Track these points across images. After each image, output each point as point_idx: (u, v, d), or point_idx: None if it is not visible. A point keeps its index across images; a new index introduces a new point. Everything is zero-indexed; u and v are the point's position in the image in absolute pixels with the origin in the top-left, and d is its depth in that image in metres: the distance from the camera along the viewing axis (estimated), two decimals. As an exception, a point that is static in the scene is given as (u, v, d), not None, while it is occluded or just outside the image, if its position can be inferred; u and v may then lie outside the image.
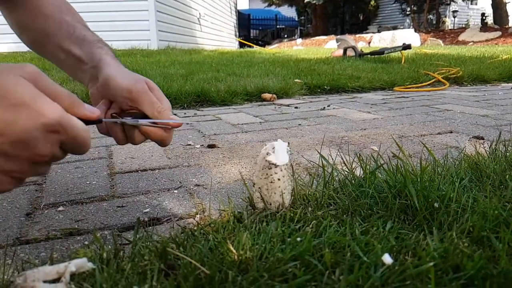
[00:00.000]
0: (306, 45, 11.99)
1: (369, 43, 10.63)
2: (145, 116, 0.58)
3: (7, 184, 0.42)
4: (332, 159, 0.89)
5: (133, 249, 0.49)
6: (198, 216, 0.67)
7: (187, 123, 0.61)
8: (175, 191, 0.81)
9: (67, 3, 0.76)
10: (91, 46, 0.66)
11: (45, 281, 0.42)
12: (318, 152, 0.67)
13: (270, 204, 0.61)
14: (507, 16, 13.70)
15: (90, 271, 0.44)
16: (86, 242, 0.59)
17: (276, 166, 0.61)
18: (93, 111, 0.47)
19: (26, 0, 0.72)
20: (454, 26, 15.83)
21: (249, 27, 19.23)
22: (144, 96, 0.58)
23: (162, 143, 0.59)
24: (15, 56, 4.25)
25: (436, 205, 0.57)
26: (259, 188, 0.62)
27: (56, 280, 0.43)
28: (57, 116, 0.41)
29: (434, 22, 16.14)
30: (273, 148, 0.63)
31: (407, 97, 2.28)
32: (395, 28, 13.83)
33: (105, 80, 0.60)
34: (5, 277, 0.46)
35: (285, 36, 19.30)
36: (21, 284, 0.41)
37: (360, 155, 0.79)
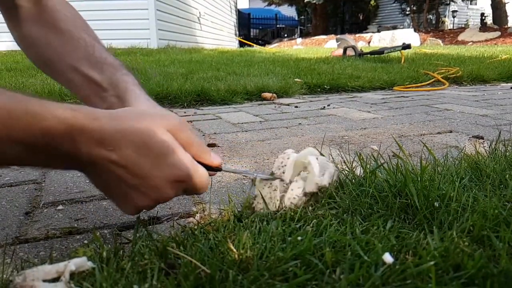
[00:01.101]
0: (306, 44, 11.99)
1: (369, 42, 10.63)
2: None
3: (133, 211, 0.50)
4: (333, 158, 0.89)
5: (133, 248, 0.49)
6: (198, 215, 0.67)
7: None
8: (175, 190, 0.81)
9: (80, 16, 0.69)
10: (113, 71, 0.62)
11: (44, 280, 0.42)
12: (319, 151, 0.67)
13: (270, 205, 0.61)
14: (507, 16, 13.71)
15: (89, 270, 0.44)
16: (85, 241, 0.59)
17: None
18: (216, 160, 0.54)
19: (38, 13, 0.65)
20: (453, 26, 15.84)
21: (249, 26, 19.22)
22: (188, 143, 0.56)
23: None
24: (14, 55, 4.25)
25: (436, 204, 0.57)
26: (260, 193, 0.61)
27: (55, 279, 0.43)
28: (188, 169, 0.48)
29: (434, 22, 16.14)
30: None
31: (406, 97, 2.28)
32: (394, 27, 13.84)
33: None
34: (4, 276, 0.46)
35: (285, 35, 19.29)
36: (20, 283, 0.41)
37: (360, 154, 0.79)
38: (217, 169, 0.55)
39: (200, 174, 0.50)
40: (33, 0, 0.65)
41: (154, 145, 0.46)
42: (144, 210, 0.53)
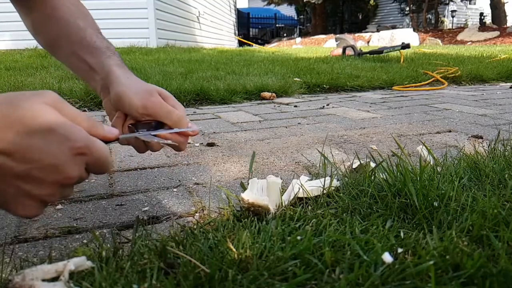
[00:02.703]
0: (305, 44, 11.99)
1: (368, 42, 10.63)
2: (162, 124, 0.59)
3: (35, 208, 0.43)
4: (333, 157, 0.89)
5: (133, 247, 0.49)
6: (197, 214, 0.67)
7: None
8: (174, 190, 0.81)
9: (83, 7, 0.75)
10: (100, 54, 0.65)
11: (43, 280, 0.42)
12: (319, 151, 0.67)
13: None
14: (506, 16, 13.72)
15: (89, 270, 0.44)
16: (85, 241, 0.59)
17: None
18: (112, 132, 0.50)
19: (42, 3, 0.71)
20: (452, 26, 15.84)
21: (248, 25, 19.21)
22: (160, 108, 0.58)
23: (179, 148, 0.59)
24: (13, 54, 4.24)
25: (435, 204, 0.57)
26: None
27: (54, 279, 0.43)
28: (83, 139, 0.43)
29: (433, 21, 16.15)
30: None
31: (406, 96, 2.28)
32: (394, 27, 13.84)
33: (118, 97, 0.59)
34: (4, 275, 0.46)
35: (284, 35, 19.28)
36: (19, 283, 0.41)
37: (359, 153, 0.79)
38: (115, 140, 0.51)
39: (99, 145, 0.45)
40: None
41: (39, 121, 0.40)
42: (51, 203, 0.47)
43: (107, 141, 0.48)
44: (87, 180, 0.49)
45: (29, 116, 0.40)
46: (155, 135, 0.57)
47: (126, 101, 0.58)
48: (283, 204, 0.62)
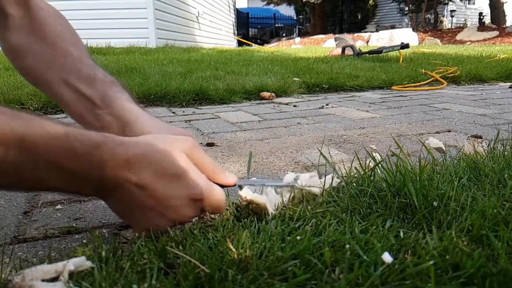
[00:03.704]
0: (305, 44, 11.99)
1: (367, 42, 10.64)
2: None
3: (150, 228, 0.50)
4: (332, 157, 0.89)
5: (132, 247, 0.49)
6: (197, 214, 0.67)
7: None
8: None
9: (71, 27, 0.68)
10: (105, 87, 0.60)
11: (43, 280, 0.42)
12: (319, 150, 0.67)
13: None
14: (505, 15, 13.74)
15: (88, 270, 0.44)
16: (84, 241, 0.59)
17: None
18: (231, 178, 0.56)
19: (28, 22, 0.63)
20: (452, 26, 15.86)
21: (247, 25, 19.21)
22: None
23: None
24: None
25: (435, 203, 0.57)
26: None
27: (54, 279, 0.43)
28: (202, 189, 0.50)
29: (432, 21, 16.16)
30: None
31: (405, 96, 2.28)
32: (393, 27, 13.84)
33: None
34: (3, 275, 0.46)
35: (284, 34, 19.29)
36: (19, 283, 0.41)
37: (358, 153, 0.79)
38: (232, 185, 0.57)
39: (216, 193, 0.52)
40: (23, 10, 0.63)
41: (169, 167, 0.48)
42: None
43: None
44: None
45: (166, 160, 0.48)
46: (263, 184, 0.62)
47: None
48: (285, 202, 0.62)
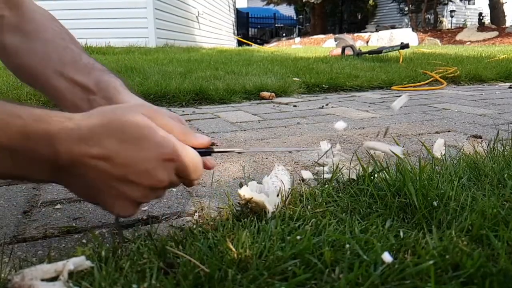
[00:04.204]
0: (305, 43, 11.99)
1: (367, 42, 10.64)
2: None
3: (130, 208, 0.48)
4: (332, 157, 0.88)
5: (132, 247, 0.49)
6: (196, 214, 0.67)
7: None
8: (174, 189, 0.81)
9: (68, 31, 0.70)
10: (101, 74, 0.62)
11: (42, 280, 0.42)
12: (319, 151, 0.67)
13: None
14: (504, 16, 13.74)
15: (88, 270, 0.44)
16: (84, 240, 0.59)
17: None
18: (203, 138, 0.52)
19: (21, 23, 0.65)
20: (451, 26, 15.87)
21: (247, 25, 19.21)
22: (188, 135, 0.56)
23: (191, 184, 0.56)
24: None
25: (435, 203, 0.57)
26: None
27: (54, 279, 0.43)
28: (172, 147, 0.47)
29: (432, 21, 16.17)
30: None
31: (405, 96, 2.28)
32: (393, 27, 13.84)
33: None
34: (3, 275, 0.45)
35: (284, 34, 19.29)
36: (18, 283, 0.41)
37: (358, 153, 0.79)
38: (207, 151, 0.52)
39: (189, 152, 0.48)
40: (16, 11, 0.65)
41: (133, 129, 0.45)
42: (142, 205, 0.50)
43: (199, 149, 0.51)
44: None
45: (127, 125, 0.45)
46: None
47: None
48: (284, 200, 0.62)
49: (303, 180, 0.73)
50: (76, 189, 0.48)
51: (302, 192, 0.66)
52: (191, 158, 0.49)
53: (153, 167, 0.46)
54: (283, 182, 0.65)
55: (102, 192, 0.46)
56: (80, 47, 0.68)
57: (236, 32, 13.40)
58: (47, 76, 0.63)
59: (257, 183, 0.65)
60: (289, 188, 0.65)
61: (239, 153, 0.58)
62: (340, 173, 0.74)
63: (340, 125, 0.76)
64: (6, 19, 0.65)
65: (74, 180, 0.46)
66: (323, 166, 0.81)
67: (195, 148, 0.50)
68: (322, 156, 0.64)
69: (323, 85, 2.58)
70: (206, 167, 0.55)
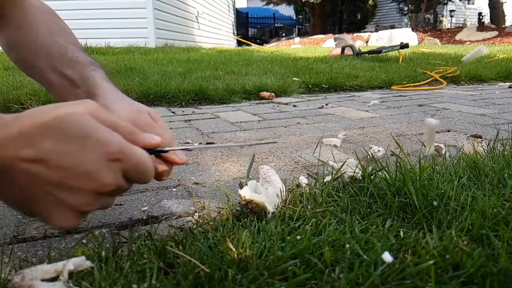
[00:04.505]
0: (304, 43, 11.99)
1: (367, 42, 10.64)
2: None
3: (72, 218, 0.42)
4: (333, 157, 0.88)
5: (132, 247, 0.49)
6: (197, 214, 0.67)
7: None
8: (174, 189, 0.81)
9: (63, 23, 0.73)
10: (83, 68, 0.63)
11: (43, 280, 0.42)
12: (318, 151, 0.67)
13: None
14: (504, 15, 13.75)
15: (88, 270, 0.44)
16: (84, 241, 0.59)
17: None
18: (154, 138, 0.47)
19: (19, 19, 0.69)
20: (451, 26, 15.87)
21: (247, 25, 19.21)
22: (149, 128, 0.55)
23: (161, 176, 0.53)
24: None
25: (435, 203, 0.57)
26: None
27: (54, 279, 0.42)
28: (118, 145, 0.42)
29: (432, 21, 16.17)
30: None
31: (404, 96, 2.28)
32: (392, 27, 13.84)
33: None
34: (3, 275, 0.45)
35: (283, 34, 19.30)
36: (18, 283, 0.41)
37: (358, 153, 0.79)
38: (158, 151, 0.48)
39: (137, 151, 0.43)
40: (18, 9, 0.69)
41: (72, 129, 0.40)
42: (88, 214, 0.45)
43: (151, 151, 0.46)
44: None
45: (66, 123, 0.40)
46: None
47: None
48: (285, 201, 0.62)
49: (297, 186, 0.73)
50: (8, 199, 0.43)
51: (302, 192, 0.66)
52: (140, 157, 0.43)
53: (96, 168, 0.40)
54: (275, 185, 0.64)
55: (37, 201, 0.41)
56: (70, 37, 0.70)
57: (235, 32, 13.40)
58: (41, 69, 0.66)
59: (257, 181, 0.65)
60: (286, 189, 0.65)
61: (189, 150, 0.56)
62: (341, 173, 0.74)
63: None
64: (8, 18, 0.69)
65: (6, 187, 0.41)
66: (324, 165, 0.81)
67: (145, 149, 0.45)
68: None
69: (323, 85, 2.58)
70: (176, 162, 0.51)
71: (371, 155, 0.78)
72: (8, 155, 0.39)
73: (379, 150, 0.93)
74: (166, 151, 0.49)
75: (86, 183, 0.40)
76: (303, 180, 0.75)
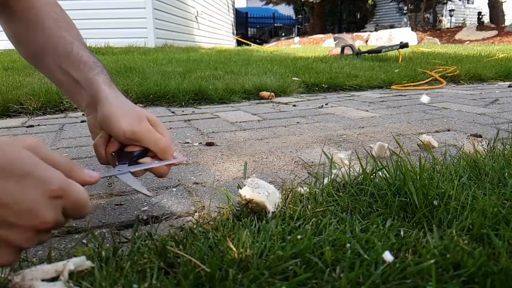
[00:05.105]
0: (304, 43, 11.99)
1: (367, 41, 10.64)
2: (145, 151, 0.60)
3: (10, 255, 0.41)
4: (332, 156, 0.88)
5: (132, 247, 0.49)
6: (197, 214, 0.67)
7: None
8: (174, 189, 0.81)
9: (67, 16, 0.73)
10: (88, 70, 0.64)
11: (43, 280, 0.42)
12: (322, 150, 0.67)
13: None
14: (504, 15, 13.76)
15: (89, 270, 0.44)
16: (84, 241, 0.59)
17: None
18: (92, 176, 0.48)
19: (26, 12, 0.69)
20: (450, 25, 15.88)
21: (246, 25, 19.22)
22: (148, 135, 0.58)
23: (161, 175, 0.61)
24: (11, 54, 4.22)
25: (435, 202, 0.57)
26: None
27: (54, 279, 0.42)
28: (59, 182, 0.42)
29: (431, 21, 16.17)
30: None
31: (404, 96, 2.28)
32: (392, 26, 13.85)
33: (105, 118, 0.59)
34: (3, 275, 0.45)
35: (283, 34, 19.30)
36: (19, 283, 0.41)
37: (358, 153, 0.79)
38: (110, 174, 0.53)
39: (77, 188, 0.44)
40: (24, 1, 0.69)
41: (12, 166, 0.39)
42: (25, 249, 0.45)
43: (85, 185, 0.47)
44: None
45: (5, 160, 0.39)
46: (137, 165, 0.59)
47: (114, 124, 0.58)
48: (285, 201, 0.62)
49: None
50: None
51: (302, 192, 0.66)
52: (78, 194, 0.44)
53: (37, 206, 0.40)
54: (265, 187, 0.64)
55: None
56: (75, 32, 0.71)
57: (235, 32, 13.40)
58: (49, 67, 0.67)
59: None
60: (279, 190, 0.65)
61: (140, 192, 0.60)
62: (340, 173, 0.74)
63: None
64: (14, 10, 0.69)
65: None
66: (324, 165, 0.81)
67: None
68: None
69: (323, 85, 2.58)
70: (173, 165, 0.57)
71: (371, 155, 0.78)
72: None
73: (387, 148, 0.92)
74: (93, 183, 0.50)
75: (27, 220, 0.40)
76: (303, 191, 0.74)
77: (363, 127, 1.41)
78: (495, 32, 10.86)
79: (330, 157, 0.81)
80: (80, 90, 0.64)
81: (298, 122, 1.52)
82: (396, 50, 4.11)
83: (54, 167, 0.43)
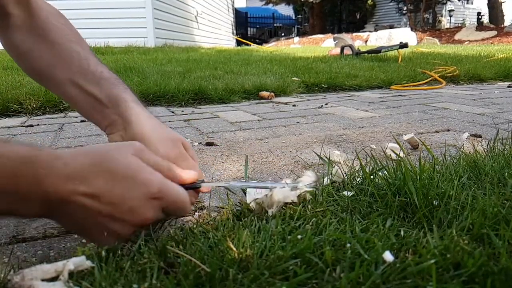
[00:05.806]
0: (304, 43, 11.99)
1: (366, 41, 10.65)
2: None
3: (113, 241, 0.48)
4: (334, 157, 0.88)
5: (132, 247, 0.49)
6: (197, 213, 0.67)
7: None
8: (173, 189, 0.80)
9: (73, 27, 0.68)
10: (110, 86, 0.61)
11: (43, 280, 0.42)
12: (314, 151, 0.67)
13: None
14: (503, 15, 13.77)
15: (88, 269, 0.44)
16: (84, 241, 0.59)
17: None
18: (189, 175, 0.54)
19: (29, 21, 0.63)
20: (450, 25, 15.90)
21: (246, 25, 19.23)
22: (183, 162, 0.58)
23: (192, 204, 0.58)
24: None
25: (435, 202, 0.57)
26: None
27: (54, 279, 0.42)
28: (158, 185, 0.48)
29: (431, 21, 16.19)
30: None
31: (404, 96, 2.28)
32: (391, 27, 13.85)
33: (139, 139, 0.57)
34: (2, 275, 0.45)
35: (283, 34, 19.30)
36: (18, 283, 0.41)
37: (358, 153, 0.79)
38: (194, 187, 0.55)
39: (175, 190, 0.49)
40: (25, 9, 0.64)
41: (120, 169, 0.46)
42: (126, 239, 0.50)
43: (188, 186, 0.53)
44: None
45: (115, 164, 0.46)
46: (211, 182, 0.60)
47: (148, 146, 0.55)
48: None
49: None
50: (65, 224, 0.50)
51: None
52: (177, 196, 0.49)
53: (139, 205, 0.46)
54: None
55: (89, 228, 0.47)
56: (86, 45, 0.67)
57: (235, 32, 13.40)
58: (59, 82, 0.63)
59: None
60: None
61: (221, 187, 0.61)
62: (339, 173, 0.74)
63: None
64: (14, 17, 0.64)
65: (64, 216, 0.47)
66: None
67: (183, 184, 0.52)
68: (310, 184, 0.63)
69: (322, 85, 2.58)
70: (203, 191, 0.58)
71: (371, 155, 0.78)
72: (67, 190, 0.44)
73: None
74: (199, 187, 0.56)
75: (131, 217, 0.47)
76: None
77: (362, 127, 1.41)
78: (494, 33, 10.87)
79: (327, 159, 0.81)
80: (102, 108, 0.61)
81: (298, 122, 1.52)
82: (395, 50, 4.12)
83: (155, 169, 0.49)
